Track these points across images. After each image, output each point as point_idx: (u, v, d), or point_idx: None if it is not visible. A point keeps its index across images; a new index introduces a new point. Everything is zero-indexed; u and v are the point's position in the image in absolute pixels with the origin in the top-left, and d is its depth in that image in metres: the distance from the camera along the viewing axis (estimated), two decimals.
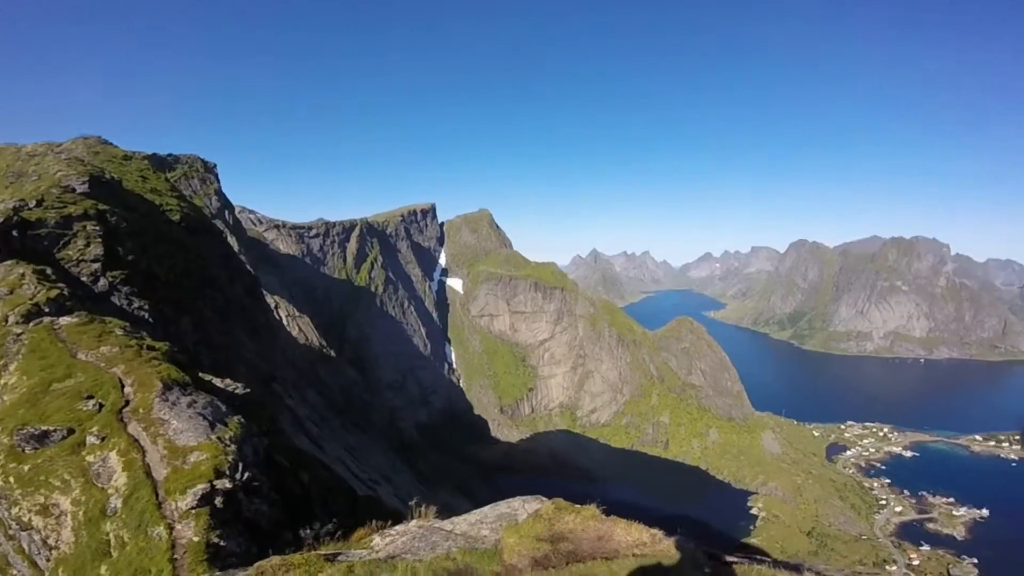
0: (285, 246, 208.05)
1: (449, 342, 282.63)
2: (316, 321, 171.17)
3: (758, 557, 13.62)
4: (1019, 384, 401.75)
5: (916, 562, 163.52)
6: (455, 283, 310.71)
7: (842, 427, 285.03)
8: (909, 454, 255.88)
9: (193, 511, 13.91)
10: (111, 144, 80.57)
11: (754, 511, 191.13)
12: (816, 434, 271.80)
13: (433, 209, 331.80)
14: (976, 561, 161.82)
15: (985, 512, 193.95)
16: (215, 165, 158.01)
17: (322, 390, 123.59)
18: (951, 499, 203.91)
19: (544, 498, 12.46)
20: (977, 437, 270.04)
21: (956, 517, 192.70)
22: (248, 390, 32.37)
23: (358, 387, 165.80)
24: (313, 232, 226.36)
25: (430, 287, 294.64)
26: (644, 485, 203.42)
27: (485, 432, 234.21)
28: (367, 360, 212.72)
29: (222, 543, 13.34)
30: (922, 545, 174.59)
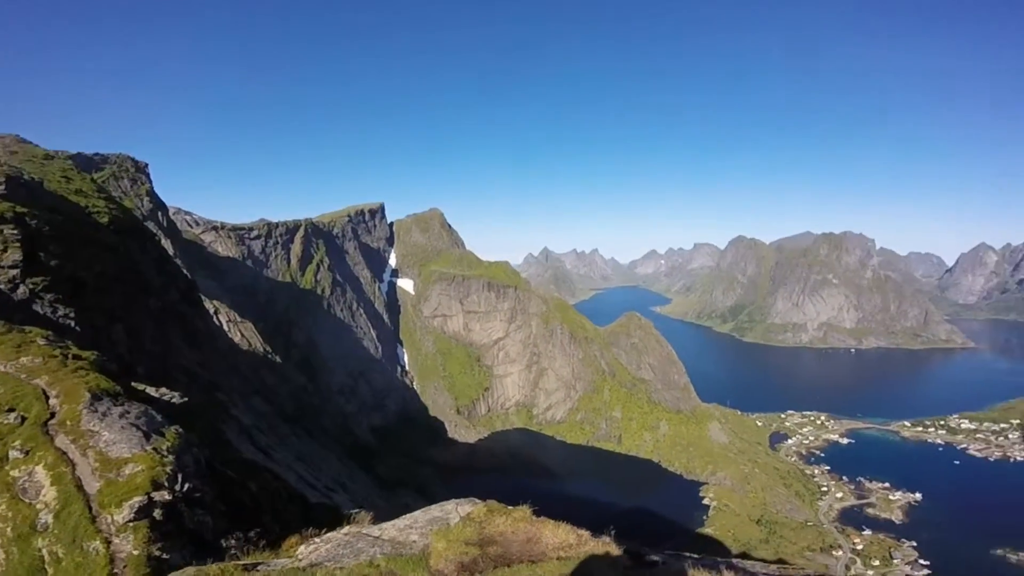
0: (224, 248, 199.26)
1: (401, 344, 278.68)
2: (260, 326, 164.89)
3: (685, 555, 14.79)
4: (939, 372, 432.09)
5: (860, 547, 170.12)
6: (406, 284, 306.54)
7: (783, 416, 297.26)
8: (845, 441, 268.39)
9: (131, 524, 13.51)
10: (30, 143, 75.38)
11: (706, 501, 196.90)
12: (759, 423, 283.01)
13: (382, 209, 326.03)
14: (915, 544, 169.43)
15: (919, 496, 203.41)
16: (146, 165, 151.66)
17: (269, 397, 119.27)
18: (887, 484, 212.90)
19: (478, 500, 12.72)
20: (906, 423, 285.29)
21: (893, 501, 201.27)
22: (186, 399, 31.28)
23: (307, 393, 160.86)
24: (254, 234, 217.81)
25: (380, 288, 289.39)
26: (601, 479, 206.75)
27: (442, 434, 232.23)
28: (316, 365, 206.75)
29: (164, 556, 13.07)
30: (864, 530, 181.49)
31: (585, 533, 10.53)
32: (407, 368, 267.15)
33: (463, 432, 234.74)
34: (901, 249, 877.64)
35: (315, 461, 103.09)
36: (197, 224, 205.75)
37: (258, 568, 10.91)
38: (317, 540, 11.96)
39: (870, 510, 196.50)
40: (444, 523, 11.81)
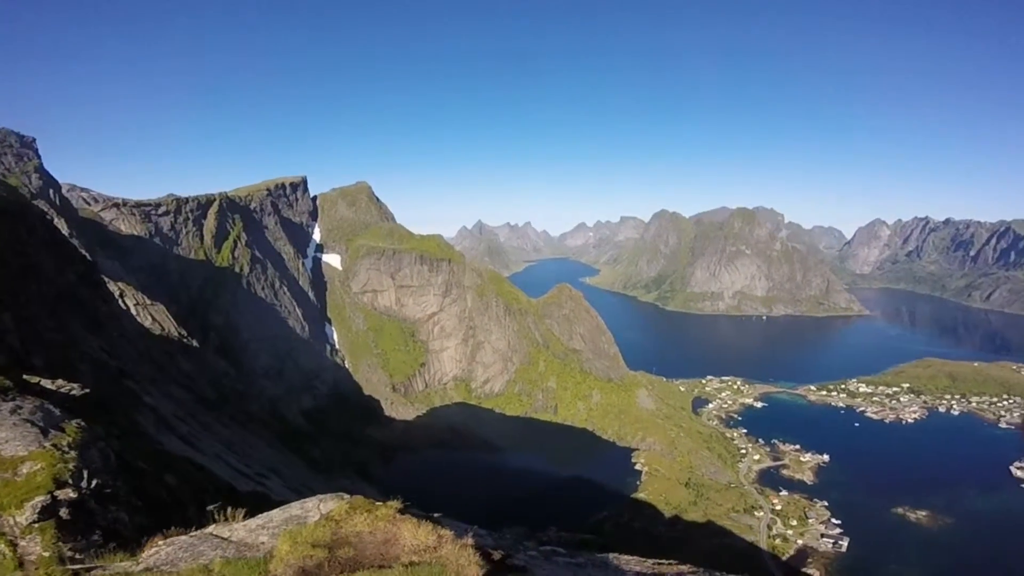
0: (128, 226, 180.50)
1: (330, 322, 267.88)
2: (173, 308, 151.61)
3: (559, 551, 14.18)
4: (839, 338, 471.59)
5: (778, 507, 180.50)
6: (332, 259, 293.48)
7: (703, 382, 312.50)
8: (759, 405, 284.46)
9: (36, 525, 12.93)
10: None
11: (638, 467, 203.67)
12: (682, 389, 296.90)
13: (304, 182, 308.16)
14: (827, 504, 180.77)
15: (826, 457, 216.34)
16: (34, 140, 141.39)
17: (187, 384, 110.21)
18: (797, 446, 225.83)
19: (346, 496, 11.71)
20: (812, 387, 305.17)
21: (804, 463, 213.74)
22: (87, 390, 29.03)
23: (230, 378, 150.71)
24: (162, 210, 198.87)
25: (304, 265, 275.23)
26: (540, 450, 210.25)
27: (378, 412, 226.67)
28: (237, 348, 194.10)
29: (78, 556, 12.33)
30: (781, 491, 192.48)
31: (447, 534, 9.65)
32: (337, 347, 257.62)
33: (400, 410, 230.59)
34: (806, 223, 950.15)
35: (244, 448, 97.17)
36: (96, 201, 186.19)
37: (91, 573, 10.51)
38: (160, 543, 11.28)
39: (784, 471, 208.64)
40: (302, 522, 10.91)
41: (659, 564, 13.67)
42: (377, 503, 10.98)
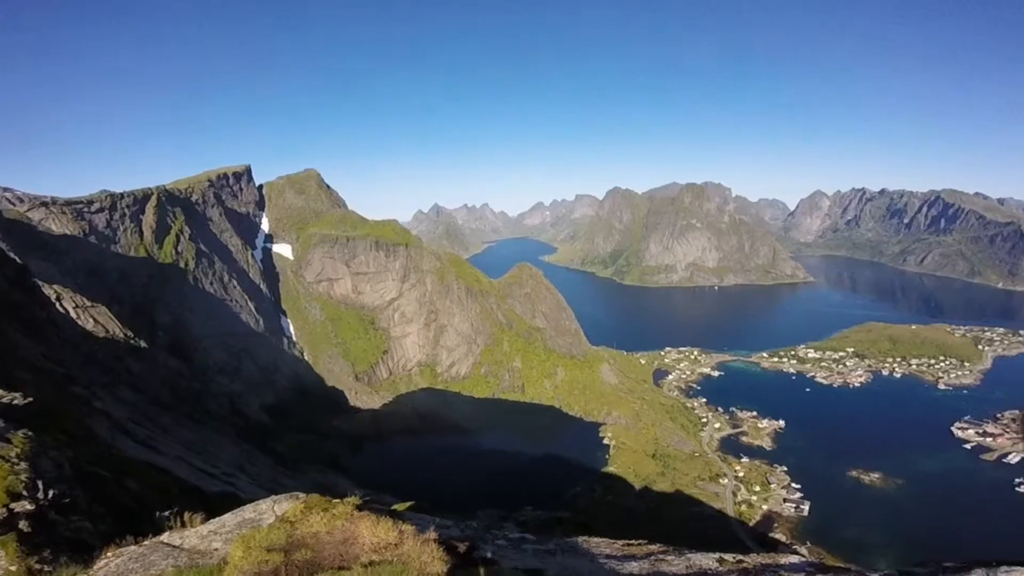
0: (59, 226, 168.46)
1: (285, 314, 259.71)
2: (115, 309, 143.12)
3: (527, 538, 14.05)
4: (787, 304, 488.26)
5: (741, 473, 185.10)
6: (283, 249, 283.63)
7: (662, 353, 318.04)
8: (716, 374, 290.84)
9: None
10: None
11: (606, 441, 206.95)
12: (643, 362, 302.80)
13: (248, 171, 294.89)
14: (786, 469, 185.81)
15: (782, 423, 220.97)
16: None
17: (139, 386, 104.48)
18: (755, 413, 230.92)
19: (301, 495, 11.41)
20: (764, 354, 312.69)
21: (761, 429, 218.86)
22: (31, 399, 28.54)
23: (184, 377, 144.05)
24: (95, 207, 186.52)
25: (253, 256, 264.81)
26: (510, 430, 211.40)
27: (343, 403, 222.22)
28: (189, 346, 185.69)
29: (47, 568, 12.03)
30: (742, 457, 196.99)
31: (409, 529, 9.48)
32: (295, 339, 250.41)
33: (366, 399, 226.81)
34: (752, 196, 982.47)
35: (207, 448, 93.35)
36: (21, 201, 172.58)
37: None
38: (110, 554, 10.93)
39: (744, 438, 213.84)
40: (256, 525, 10.61)
41: (628, 545, 13.63)
42: (335, 501, 10.62)
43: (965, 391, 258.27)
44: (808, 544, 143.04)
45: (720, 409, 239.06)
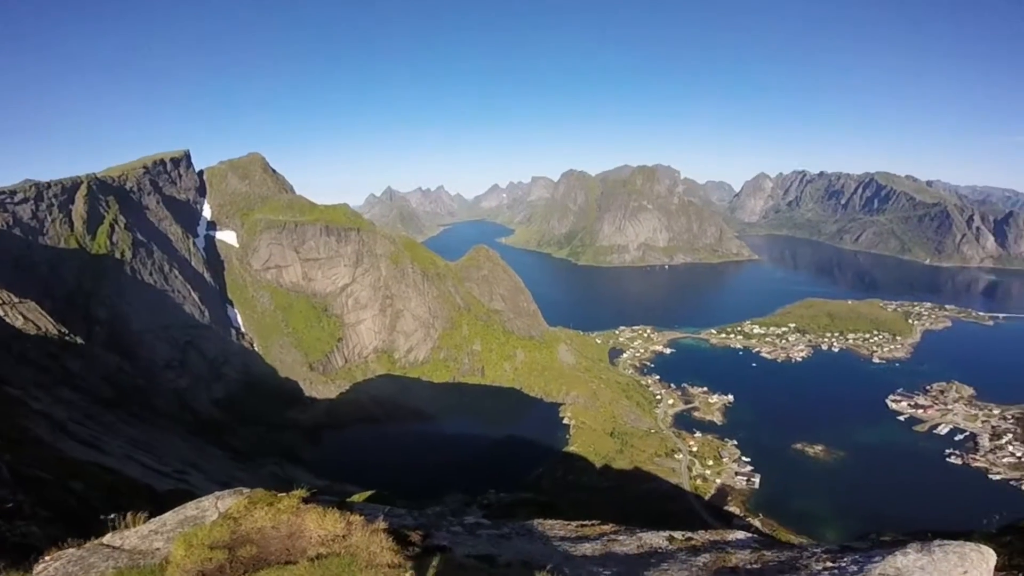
0: None
1: (231, 304, 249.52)
2: (47, 304, 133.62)
3: (482, 523, 14.32)
4: (733, 282, 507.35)
5: (695, 448, 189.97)
6: (227, 236, 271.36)
7: (617, 332, 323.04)
8: (668, 351, 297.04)
9: None
10: None
11: (566, 420, 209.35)
12: (598, 341, 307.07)
13: (187, 157, 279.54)
14: (736, 443, 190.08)
15: (731, 398, 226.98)
16: None
17: (78, 385, 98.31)
18: (705, 388, 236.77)
19: (245, 490, 11.13)
20: (712, 331, 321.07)
21: (712, 404, 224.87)
22: None
23: (126, 374, 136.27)
24: (19, 197, 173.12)
25: (195, 244, 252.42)
26: (471, 414, 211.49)
27: (298, 394, 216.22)
28: (129, 340, 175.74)
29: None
30: (695, 432, 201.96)
31: (357, 520, 9.42)
32: (243, 329, 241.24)
33: (321, 388, 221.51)
34: (700, 178, 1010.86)
35: (156, 446, 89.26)
36: None
37: None
38: (48, 559, 10.51)
39: (696, 413, 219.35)
40: (199, 522, 10.34)
41: (582, 526, 13.77)
42: (280, 495, 10.33)
43: (897, 364, 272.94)
44: (760, 516, 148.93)
45: (673, 386, 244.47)
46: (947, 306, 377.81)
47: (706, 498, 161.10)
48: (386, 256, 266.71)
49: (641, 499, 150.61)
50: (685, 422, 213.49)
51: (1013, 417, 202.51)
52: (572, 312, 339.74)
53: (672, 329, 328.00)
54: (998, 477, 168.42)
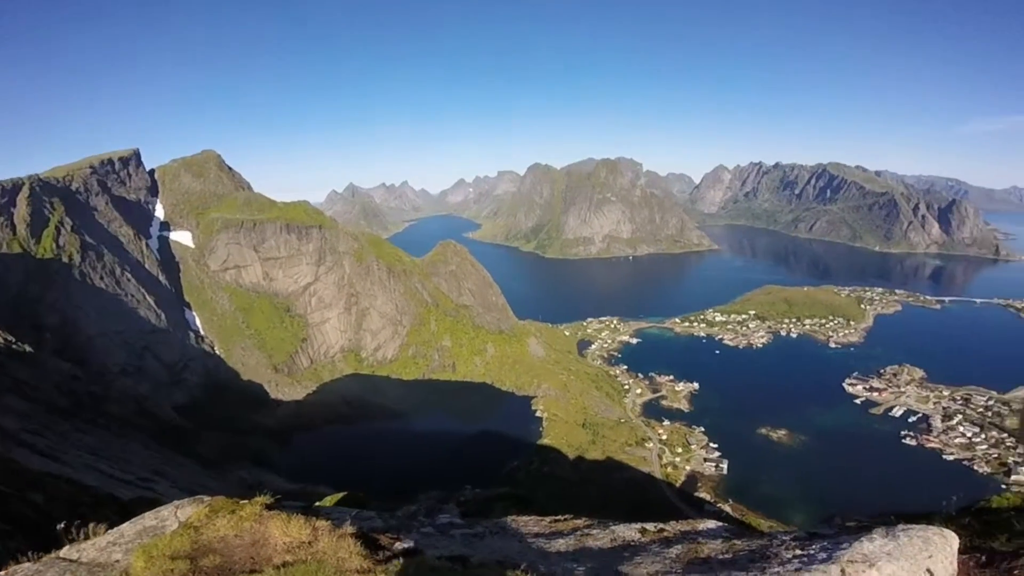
0: None
1: (189, 306, 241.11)
2: None
3: (456, 523, 14.52)
4: (695, 271, 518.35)
5: (664, 436, 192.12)
6: (182, 237, 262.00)
7: (585, 324, 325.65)
8: (635, 341, 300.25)
9: None
10: None
11: (538, 413, 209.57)
12: (567, 333, 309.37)
13: (137, 155, 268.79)
14: (703, 429, 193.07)
15: (696, 385, 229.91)
16: None
17: (30, 394, 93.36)
18: (671, 377, 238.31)
19: (206, 498, 11.04)
20: (676, 320, 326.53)
21: (678, 392, 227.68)
22: None
23: (80, 381, 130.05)
24: None
25: (148, 246, 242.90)
26: (444, 410, 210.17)
27: (264, 396, 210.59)
28: (81, 347, 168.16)
29: None
30: (663, 421, 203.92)
31: (324, 525, 9.42)
32: (202, 333, 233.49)
33: (287, 390, 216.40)
34: (661, 170, 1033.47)
35: (117, 454, 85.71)
36: None
37: None
38: (2, 574, 10.43)
39: (663, 402, 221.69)
40: (159, 533, 10.21)
41: (556, 521, 13.87)
42: (242, 502, 10.18)
43: (852, 348, 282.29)
44: (730, 502, 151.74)
45: (640, 375, 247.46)
46: (897, 291, 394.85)
47: (677, 485, 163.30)
48: (350, 253, 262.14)
49: (616, 488, 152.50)
50: (654, 410, 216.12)
51: (962, 398, 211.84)
52: (541, 305, 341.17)
53: (638, 319, 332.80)
54: (951, 458, 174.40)
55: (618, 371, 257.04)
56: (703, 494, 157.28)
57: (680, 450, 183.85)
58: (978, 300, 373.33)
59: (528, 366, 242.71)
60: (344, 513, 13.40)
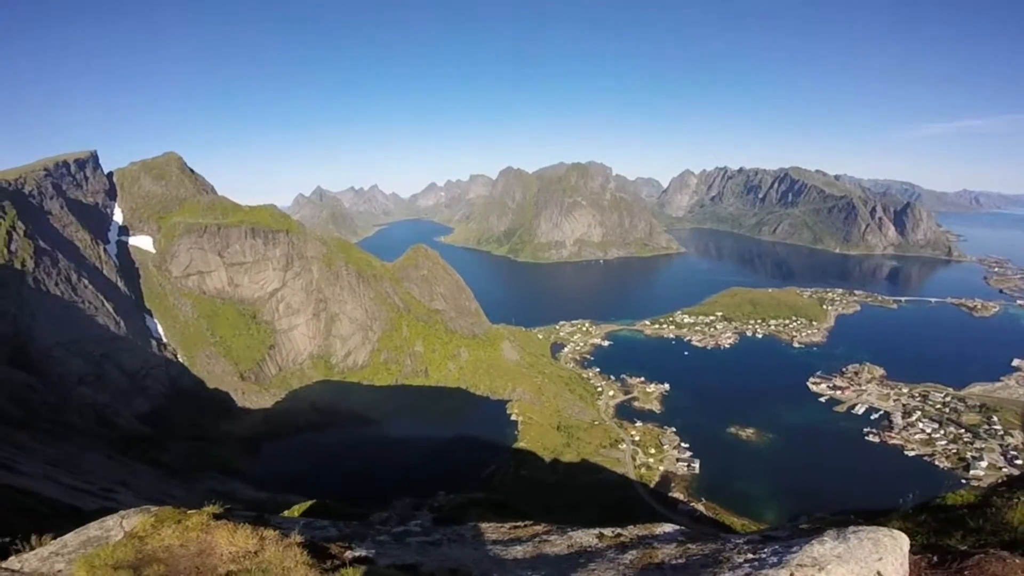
0: None
1: (150, 313, 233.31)
2: None
3: (412, 530, 14.64)
4: (663, 274, 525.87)
5: (637, 437, 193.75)
6: (142, 242, 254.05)
7: (557, 327, 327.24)
8: (607, 343, 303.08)
9: None
10: None
11: (513, 417, 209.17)
12: (540, 337, 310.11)
13: (94, 157, 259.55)
14: (675, 429, 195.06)
15: (667, 386, 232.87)
16: None
17: None
18: (643, 378, 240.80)
19: (153, 508, 11.08)
20: (646, 322, 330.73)
21: (650, 393, 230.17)
22: None
23: (36, 391, 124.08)
24: None
25: (106, 251, 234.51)
26: (417, 416, 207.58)
27: (231, 405, 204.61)
28: (36, 356, 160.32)
29: None
30: (636, 422, 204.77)
31: (271, 534, 9.55)
32: (164, 340, 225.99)
33: (255, 398, 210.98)
34: (630, 174, 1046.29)
35: (77, 464, 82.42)
36: None
37: None
38: None
39: (636, 403, 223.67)
40: (103, 543, 10.21)
41: (515, 528, 13.92)
42: (189, 512, 10.22)
43: (815, 348, 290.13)
44: (703, 500, 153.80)
45: (612, 377, 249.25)
46: (856, 291, 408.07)
47: (651, 486, 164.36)
48: (318, 258, 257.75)
49: (591, 490, 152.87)
50: (626, 412, 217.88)
51: (920, 395, 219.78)
52: (514, 309, 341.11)
53: (609, 322, 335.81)
54: (912, 453, 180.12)
55: (591, 373, 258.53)
56: (677, 494, 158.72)
57: (653, 451, 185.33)
58: (932, 299, 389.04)
59: (502, 370, 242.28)
60: (295, 522, 13.33)
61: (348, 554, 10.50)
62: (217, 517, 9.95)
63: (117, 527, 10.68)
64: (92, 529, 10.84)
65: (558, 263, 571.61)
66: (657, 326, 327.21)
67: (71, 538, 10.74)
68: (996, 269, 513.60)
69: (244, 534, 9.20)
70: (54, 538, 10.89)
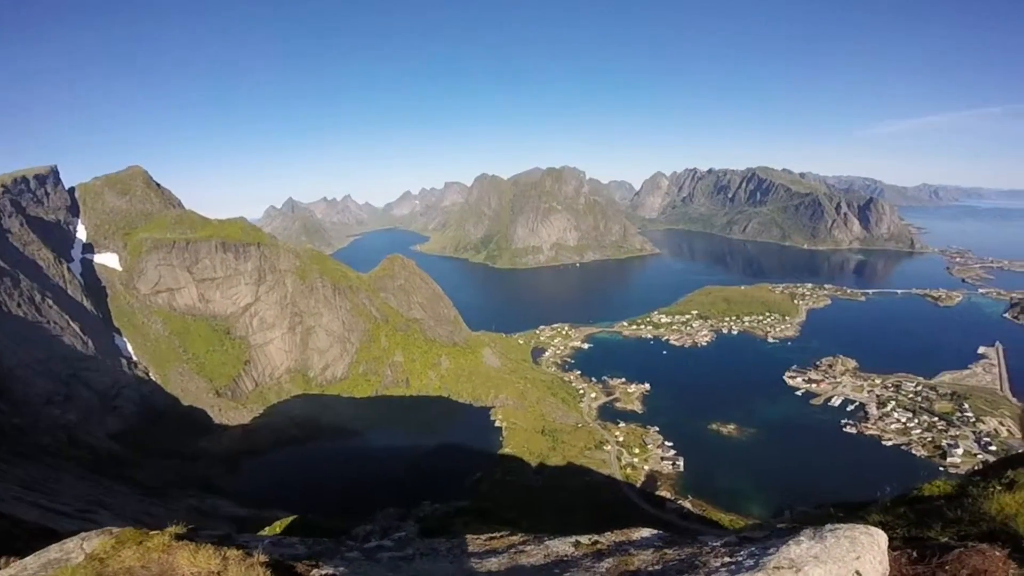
0: None
1: (119, 332, 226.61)
2: None
3: (384, 547, 14.12)
4: (639, 275, 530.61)
5: (621, 438, 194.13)
6: (108, 259, 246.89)
7: (537, 332, 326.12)
8: (587, 346, 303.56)
9: None
10: None
11: (497, 423, 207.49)
12: (521, 342, 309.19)
13: (54, 173, 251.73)
14: (658, 429, 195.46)
15: (648, 386, 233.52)
16: None
17: None
18: (624, 379, 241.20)
19: (115, 529, 11.06)
20: (625, 323, 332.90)
21: (631, 394, 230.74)
22: None
23: (2, 413, 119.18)
24: None
25: (70, 270, 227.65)
26: (400, 426, 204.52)
27: (207, 422, 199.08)
28: (0, 378, 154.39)
29: None
30: (619, 423, 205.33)
31: (234, 554, 9.57)
32: (135, 359, 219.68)
33: (232, 415, 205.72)
34: (604, 178, 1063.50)
35: (50, 486, 79.38)
36: None
37: None
38: None
39: (618, 404, 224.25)
40: (63, 566, 10.17)
41: (492, 539, 13.76)
42: (151, 533, 10.14)
43: (789, 342, 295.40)
44: (690, 498, 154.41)
45: (594, 379, 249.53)
46: (826, 285, 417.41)
47: (638, 485, 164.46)
48: (291, 271, 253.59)
49: (578, 493, 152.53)
50: (609, 413, 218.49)
51: (893, 385, 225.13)
52: (494, 315, 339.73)
53: (588, 325, 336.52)
54: (890, 443, 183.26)
55: (572, 377, 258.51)
56: (663, 492, 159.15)
57: (637, 451, 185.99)
58: (899, 291, 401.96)
59: (484, 377, 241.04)
60: (261, 541, 13.25)
61: (315, 572, 10.44)
62: (180, 537, 9.91)
63: (78, 549, 10.58)
64: (52, 551, 10.69)
65: (535, 268, 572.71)
66: (635, 327, 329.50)
67: (31, 560, 10.60)
68: (958, 260, 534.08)
69: (206, 554, 9.17)
70: (14, 560, 10.76)
